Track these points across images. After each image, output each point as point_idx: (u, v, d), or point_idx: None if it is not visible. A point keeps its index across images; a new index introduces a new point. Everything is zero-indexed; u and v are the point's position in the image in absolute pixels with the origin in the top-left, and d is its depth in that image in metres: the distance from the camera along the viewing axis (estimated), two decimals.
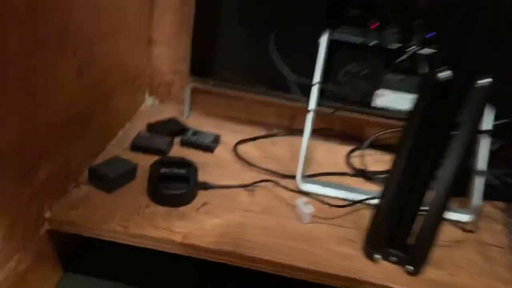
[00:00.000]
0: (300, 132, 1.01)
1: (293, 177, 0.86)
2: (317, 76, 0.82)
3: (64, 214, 0.70)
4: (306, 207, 0.75)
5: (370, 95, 0.85)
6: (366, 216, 0.78)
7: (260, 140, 0.99)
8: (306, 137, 0.83)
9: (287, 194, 0.81)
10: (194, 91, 1.03)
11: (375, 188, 0.86)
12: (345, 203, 0.79)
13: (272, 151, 0.95)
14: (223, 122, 1.03)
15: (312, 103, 0.83)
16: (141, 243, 0.69)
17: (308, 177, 0.86)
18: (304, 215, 0.74)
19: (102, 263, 0.80)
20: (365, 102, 0.87)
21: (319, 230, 0.74)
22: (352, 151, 0.98)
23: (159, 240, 0.68)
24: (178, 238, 0.68)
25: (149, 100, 1.06)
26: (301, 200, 0.76)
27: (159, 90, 1.06)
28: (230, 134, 0.99)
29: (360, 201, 0.79)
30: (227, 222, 0.73)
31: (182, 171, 0.78)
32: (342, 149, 0.99)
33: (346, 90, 0.87)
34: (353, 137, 1.02)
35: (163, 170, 0.77)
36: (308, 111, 0.83)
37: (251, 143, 0.97)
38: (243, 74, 0.97)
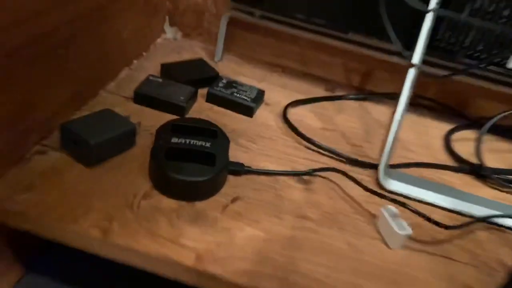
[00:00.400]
0: (376, 96, 0.72)
1: (369, 165, 0.57)
2: (433, 1, 0.51)
3: (10, 199, 0.44)
4: (398, 224, 0.46)
5: (508, 50, 0.54)
6: (490, 243, 0.49)
7: (320, 103, 0.69)
8: (401, 108, 0.53)
9: (362, 194, 0.52)
10: (232, 24, 0.73)
11: (500, 196, 0.56)
12: (458, 220, 0.50)
13: (337, 120, 0.66)
14: (268, 72, 0.74)
15: (419, 53, 0.52)
16: (126, 260, 0.42)
17: (392, 167, 0.57)
18: (396, 237, 0.46)
19: (72, 264, 0.54)
20: (496, 61, 0.56)
21: (417, 264, 0.46)
22: (451, 131, 0.68)
23: (156, 259, 0.41)
24: (188, 259, 0.41)
25: (169, 32, 0.77)
26: (389, 211, 0.48)
27: (183, 19, 0.76)
28: (277, 90, 0.69)
29: (484, 219, 0.50)
30: (270, 235, 0.46)
31: (205, 143, 0.50)
32: (436, 128, 0.69)
33: (469, 39, 0.56)
34: (452, 111, 0.72)
35: (175, 139, 0.49)
36: (411, 66, 0.53)
37: (307, 106, 0.68)
38: (305, 3, 0.66)
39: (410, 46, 0.55)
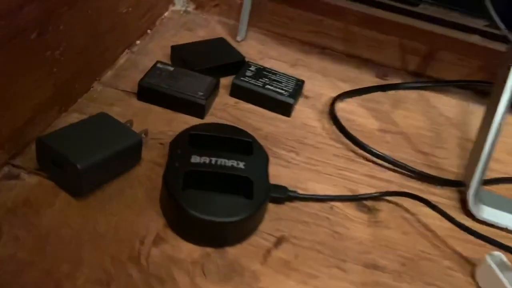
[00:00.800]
0: (443, 85, 0.58)
1: (449, 183, 0.43)
2: None
3: None
4: None
5: None
6: None
7: (372, 94, 0.55)
8: (501, 109, 0.39)
9: (446, 227, 0.39)
10: None
11: None
12: None
13: (396, 118, 0.52)
14: (303, 53, 0.59)
15: None
16: None
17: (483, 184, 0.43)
18: None
19: None
20: None
21: None
22: None
23: None
24: None
25: (178, 3, 0.62)
26: (496, 259, 0.34)
27: None
28: (316, 77, 0.55)
29: None
30: None
31: (237, 162, 0.36)
32: None
33: None
34: None
35: (196, 158, 0.36)
36: None
37: (355, 99, 0.54)
38: None
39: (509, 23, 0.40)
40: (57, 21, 0.38)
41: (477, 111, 0.55)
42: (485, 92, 0.57)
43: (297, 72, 0.54)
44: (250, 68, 0.50)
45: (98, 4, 0.44)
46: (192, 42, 0.53)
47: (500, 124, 0.39)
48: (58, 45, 0.39)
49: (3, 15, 0.32)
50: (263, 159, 0.38)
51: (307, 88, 0.52)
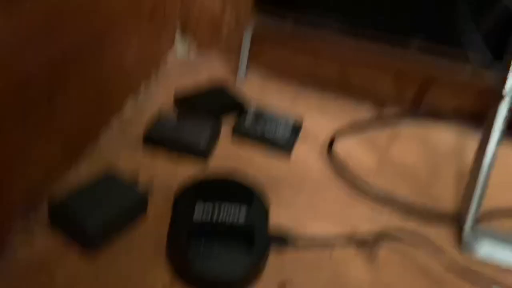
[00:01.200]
0: (439, 117, 0.59)
1: (445, 218, 0.45)
2: None
3: None
4: None
5: None
6: None
7: (369, 130, 0.56)
8: (491, 148, 0.41)
9: (444, 265, 0.40)
10: (258, 37, 0.60)
11: None
12: None
13: (393, 153, 0.53)
14: (301, 88, 0.61)
15: None
16: None
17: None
18: None
19: None
20: None
21: None
22: None
23: None
24: None
25: (181, 49, 0.65)
26: None
27: (197, 33, 0.63)
28: (314, 114, 0.57)
29: None
30: None
31: (238, 214, 0.38)
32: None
33: None
34: None
35: (199, 212, 0.37)
36: (502, 97, 0.40)
37: (354, 135, 0.55)
38: (348, 8, 0.53)
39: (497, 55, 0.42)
40: (65, 85, 0.40)
41: (474, 142, 0.56)
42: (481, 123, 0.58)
43: (295, 108, 0.56)
44: (249, 114, 0.52)
45: (104, 60, 0.46)
46: (194, 90, 0.55)
47: (493, 157, 0.41)
48: (67, 107, 0.41)
49: (15, 89, 0.34)
50: (263, 207, 0.40)
51: (306, 126, 0.54)
